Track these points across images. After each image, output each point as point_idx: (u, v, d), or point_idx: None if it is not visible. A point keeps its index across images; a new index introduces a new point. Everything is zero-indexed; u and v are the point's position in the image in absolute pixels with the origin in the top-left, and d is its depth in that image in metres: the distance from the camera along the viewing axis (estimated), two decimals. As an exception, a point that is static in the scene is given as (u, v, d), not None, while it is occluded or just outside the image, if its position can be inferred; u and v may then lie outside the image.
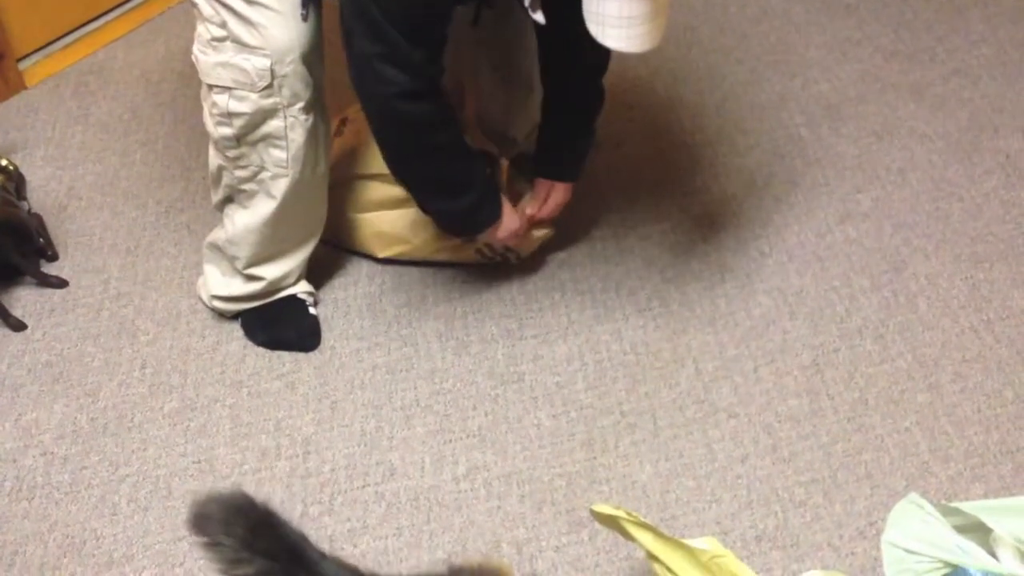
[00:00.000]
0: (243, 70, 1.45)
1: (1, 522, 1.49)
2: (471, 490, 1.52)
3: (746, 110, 2.18)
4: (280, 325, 1.74)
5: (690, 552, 1.17)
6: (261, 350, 1.73)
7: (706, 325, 1.73)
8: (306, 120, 1.52)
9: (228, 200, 1.64)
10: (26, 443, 1.60)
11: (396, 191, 1.81)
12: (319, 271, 1.86)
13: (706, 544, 1.17)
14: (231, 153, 1.55)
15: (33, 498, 1.52)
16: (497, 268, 1.84)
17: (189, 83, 2.36)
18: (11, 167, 1.66)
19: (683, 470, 1.52)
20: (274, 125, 1.50)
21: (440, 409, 1.63)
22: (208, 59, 1.48)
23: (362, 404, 1.64)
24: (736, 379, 1.64)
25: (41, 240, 1.89)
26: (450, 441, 1.58)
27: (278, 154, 1.53)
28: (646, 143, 2.10)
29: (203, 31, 1.48)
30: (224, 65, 1.46)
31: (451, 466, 1.55)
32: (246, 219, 1.61)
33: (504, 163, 1.76)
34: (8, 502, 1.52)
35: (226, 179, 1.60)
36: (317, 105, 1.54)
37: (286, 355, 1.72)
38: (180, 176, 2.10)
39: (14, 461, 1.57)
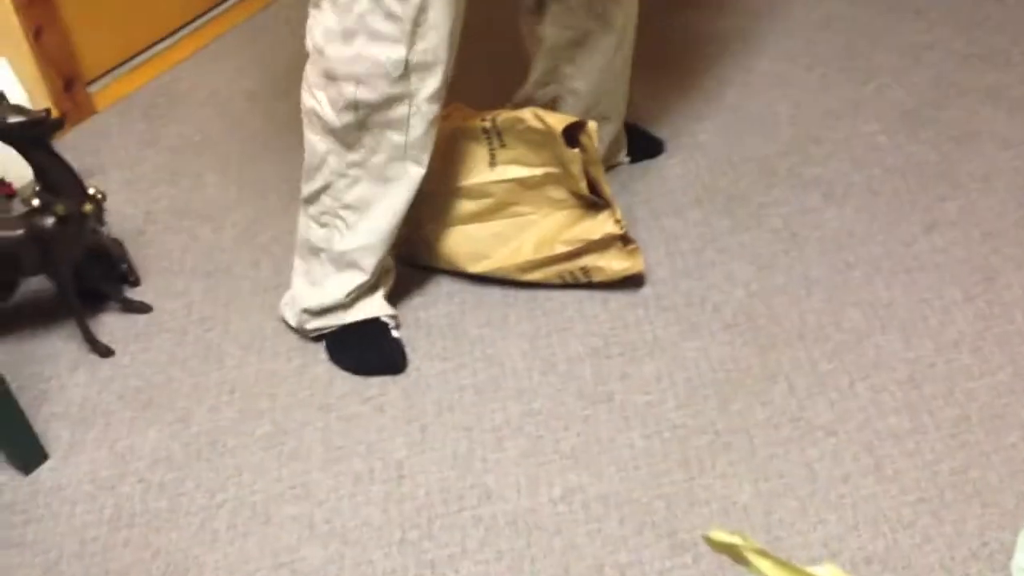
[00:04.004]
0: (377, 62, 1.44)
1: (104, 550, 1.50)
2: (569, 512, 1.50)
3: (819, 118, 2.15)
4: (364, 349, 1.74)
5: (811, 579, 1.15)
6: (346, 373, 1.73)
7: (795, 340, 1.71)
8: (429, 110, 1.51)
9: (325, 188, 1.61)
10: (122, 470, 1.61)
11: (472, 205, 1.81)
12: (397, 291, 1.86)
13: (827, 571, 1.15)
14: (350, 138, 1.53)
15: (133, 526, 1.53)
16: (577, 286, 1.82)
17: (257, 102, 2.37)
18: (99, 195, 1.68)
19: (784, 490, 1.50)
20: (399, 111, 1.50)
21: (531, 430, 1.62)
22: (337, 51, 1.46)
23: (452, 426, 1.64)
24: (831, 395, 1.61)
25: (124, 265, 1.90)
26: (544, 463, 1.57)
27: (397, 139, 1.53)
28: (718, 153, 2.08)
29: (331, 22, 1.45)
30: (356, 57, 1.44)
31: (547, 488, 1.54)
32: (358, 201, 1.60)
33: (592, 126, 1.69)
34: (109, 530, 1.53)
35: (333, 164, 1.57)
36: (442, 94, 1.53)
37: (373, 378, 1.72)
38: (254, 197, 2.10)
39: (112, 488, 1.58)
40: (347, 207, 1.61)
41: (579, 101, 1.86)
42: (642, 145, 2.08)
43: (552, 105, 1.89)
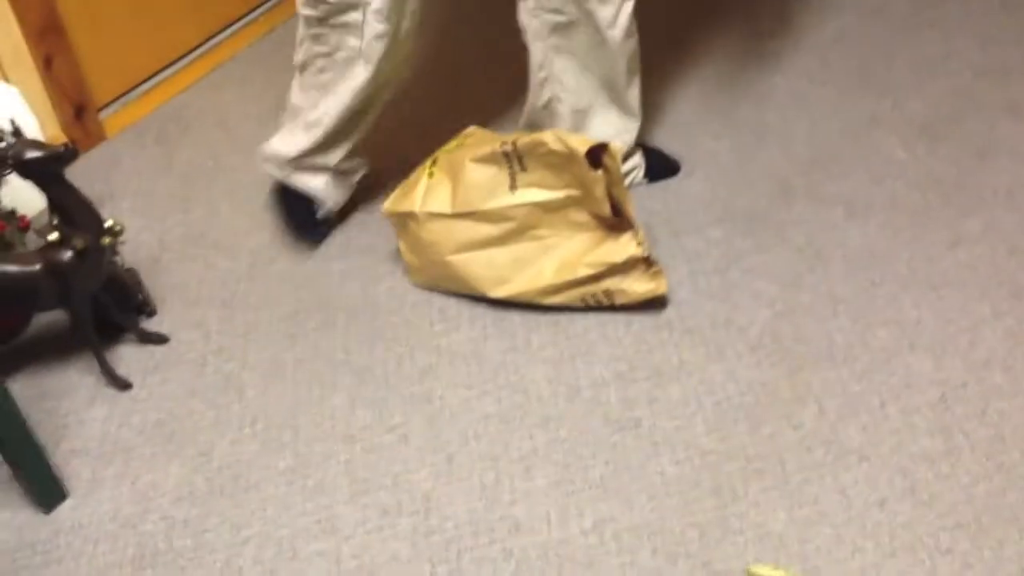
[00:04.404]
0: None
1: (128, 591, 1.48)
2: (600, 544, 1.48)
3: (837, 134, 2.14)
4: (290, 211, 2.00)
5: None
6: (368, 402, 1.71)
7: (824, 361, 1.69)
8: (380, 26, 1.71)
9: (302, 67, 1.85)
10: (144, 507, 1.58)
11: (492, 230, 1.79)
12: (418, 318, 1.84)
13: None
14: (313, 31, 1.77)
15: (157, 565, 1.51)
16: (600, 309, 1.80)
17: (266, 126, 2.35)
18: (117, 227, 1.65)
19: (819, 517, 1.47)
20: (353, 17, 1.71)
21: (559, 459, 1.60)
22: None
23: (478, 456, 1.61)
24: (863, 418, 1.59)
25: (139, 296, 1.88)
26: (573, 492, 1.55)
27: (353, 41, 1.74)
28: (736, 172, 2.07)
29: None
30: None
31: (577, 519, 1.51)
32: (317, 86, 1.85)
33: (615, 146, 1.68)
34: (132, 570, 1.50)
35: (306, 48, 1.81)
36: (394, 18, 1.72)
37: (396, 407, 1.70)
38: (267, 224, 2.09)
39: (134, 527, 1.56)
40: (315, 86, 1.85)
41: (569, 96, 1.86)
42: (659, 165, 2.06)
43: (548, 108, 1.89)
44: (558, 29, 1.78)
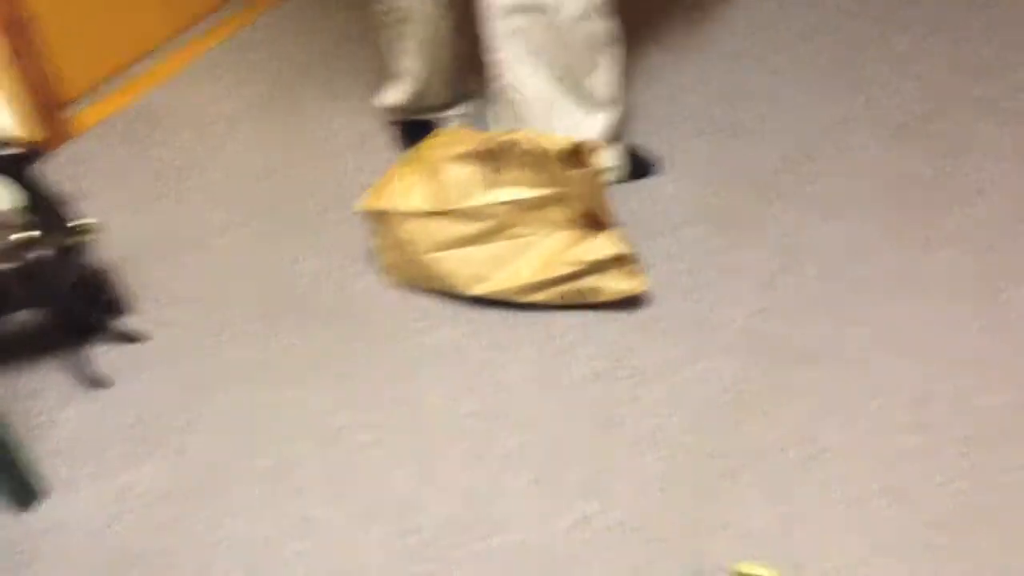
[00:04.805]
0: None
1: (104, 594, 1.45)
2: (583, 542, 1.48)
3: (810, 133, 2.15)
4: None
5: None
6: (347, 402, 1.69)
7: (801, 360, 1.70)
8: None
9: (378, 27, 2.06)
10: (120, 508, 1.56)
11: (469, 228, 1.78)
12: (396, 317, 1.83)
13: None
14: None
15: (134, 565, 1.48)
16: (580, 307, 1.80)
17: (238, 125, 2.33)
18: (90, 225, 1.63)
19: (800, 515, 1.48)
20: None
21: (540, 457, 1.59)
22: None
23: (460, 455, 1.60)
24: (841, 416, 1.60)
25: (111, 295, 1.85)
26: (556, 491, 1.54)
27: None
28: (711, 171, 2.07)
29: None
30: None
31: (560, 517, 1.51)
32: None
33: (592, 146, 1.69)
34: (109, 571, 1.48)
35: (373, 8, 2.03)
36: None
37: (375, 408, 1.68)
38: (241, 222, 2.06)
39: (111, 527, 1.53)
40: (388, 40, 2.07)
41: (524, 85, 1.87)
42: (637, 165, 2.06)
43: (504, 96, 1.93)
44: (510, 11, 1.77)
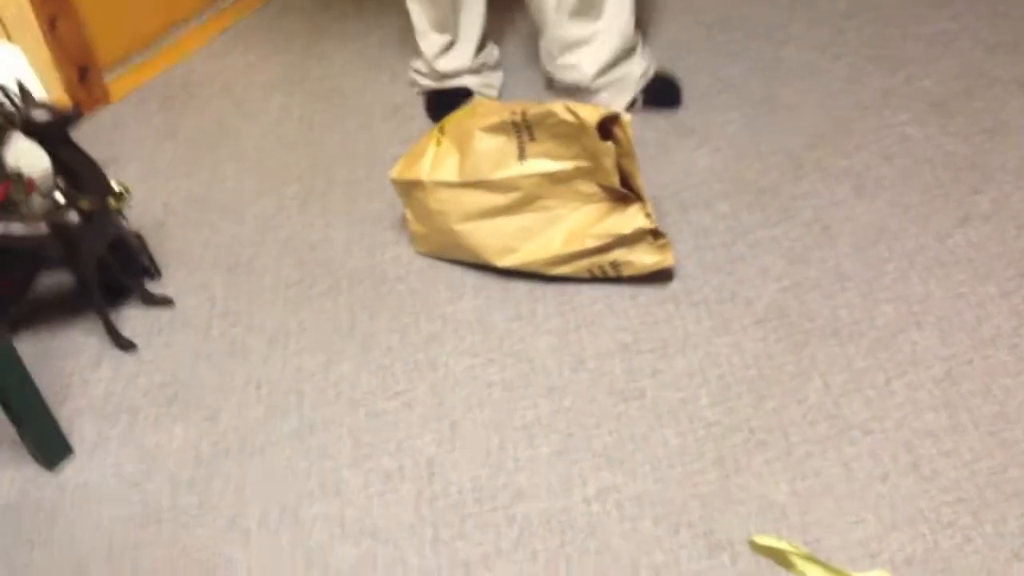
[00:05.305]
0: None
1: (132, 548, 1.48)
2: (603, 512, 1.48)
3: (847, 109, 2.12)
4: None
5: (860, 584, 1.13)
6: (373, 369, 1.71)
7: (829, 336, 1.68)
8: None
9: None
10: (149, 467, 1.59)
11: (500, 199, 1.78)
12: (424, 286, 1.84)
13: None
14: None
15: (162, 522, 1.51)
16: (606, 280, 1.80)
17: (271, 93, 2.35)
18: (123, 189, 1.65)
19: (821, 490, 1.47)
20: None
21: (563, 428, 1.60)
22: None
23: (482, 423, 1.62)
24: (868, 393, 1.59)
25: (144, 259, 1.88)
26: (577, 461, 1.55)
27: None
28: (745, 145, 2.06)
29: None
30: None
31: (580, 487, 1.52)
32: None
33: (627, 118, 1.68)
34: (137, 526, 1.51)
35: None
36: None
37: (400, 374, 1.70)
38: (273, 190, 2.08)
39: (139, 486, 1.56)
40: (417, 8, 2.13)
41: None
42: (660, 90, 2.11)
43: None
44: None
